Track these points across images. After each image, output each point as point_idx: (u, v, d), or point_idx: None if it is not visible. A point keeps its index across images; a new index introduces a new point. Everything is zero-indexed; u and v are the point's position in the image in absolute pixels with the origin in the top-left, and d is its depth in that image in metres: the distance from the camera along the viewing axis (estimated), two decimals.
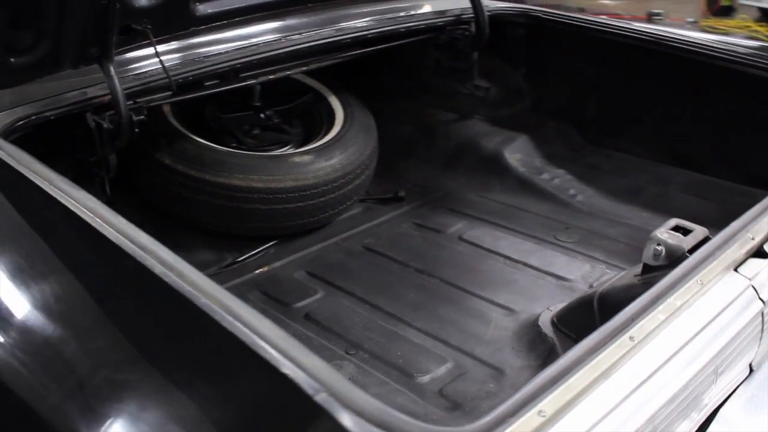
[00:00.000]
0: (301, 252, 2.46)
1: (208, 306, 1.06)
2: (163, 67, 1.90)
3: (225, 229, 2.45)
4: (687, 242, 1.56)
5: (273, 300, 2.19)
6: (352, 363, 1.89)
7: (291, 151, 2.56)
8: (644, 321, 1.21)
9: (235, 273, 2.35)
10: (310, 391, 0.93)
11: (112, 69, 1.79)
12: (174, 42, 2.06)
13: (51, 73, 1.79)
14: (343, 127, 2.68)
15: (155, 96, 2.00)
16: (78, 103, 1.84)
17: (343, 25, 2.50)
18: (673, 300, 1.27)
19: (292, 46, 2.28)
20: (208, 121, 2.64)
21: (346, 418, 0.91)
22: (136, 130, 1.91)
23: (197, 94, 2.25)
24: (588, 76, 2.93)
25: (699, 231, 1.60)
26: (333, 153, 2.53)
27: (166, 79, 1.92)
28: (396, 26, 2.58)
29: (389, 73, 3.22)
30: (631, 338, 1.16)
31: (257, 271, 2.36)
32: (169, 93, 2.00)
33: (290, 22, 2.39)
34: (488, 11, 2.83)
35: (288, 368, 0.95)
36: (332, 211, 2.54)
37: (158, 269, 1.14)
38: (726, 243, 1.46)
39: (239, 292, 2.21)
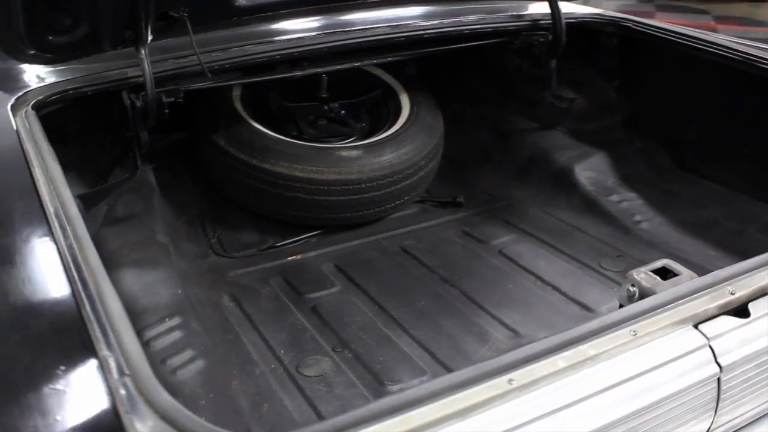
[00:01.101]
0: (338, 245, 2.49)
1: None
2: (197, 53, 2.00)
3: (268, 213, 2.54)
4: (663, 287, 1.40)
5: (290, 287, 2.24)
6: (332, 360, 1.90)
7: (339, 144, 2.59)
8: (538, 365, 1.11)
9: (269, 257, 2.43)
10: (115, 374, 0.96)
11: (143, 52, 1.92)
12: (219, 31, 2.16)
13: (93, 53, 1.95)
14: (403, 125, 2.66)
15: (192, 81, 2.11)
16: (115, 82, 1.99)
17: (408, 22, 2.48)
18: (586, 347, 1.16)
19: (336, 42, 2.30)
20: (272, 108, 2.73)
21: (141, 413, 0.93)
22: (166, 111, 2.04)
23: (233, 82, 2.35)
24: (691, 96, 2.70)
25: (685, 275, 1.43)
26: (384, 150, 2.53)
27: (198, 66, 2.02)
28: (463, 27, 2.52)
29: (479, 77, 3.16)
30: (510, 381, 1.08)
31: (290, 258, 2.42)
32: (207, 78, 2.09)
33: (347, 17, 2.41)
34: (574, 18, 2.69)
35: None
36: (377, 208, 2.54)
37: None
38: (694, 293, 1.30)
39: (262, 276, 2.31)
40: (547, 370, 1.11)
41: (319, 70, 2.49)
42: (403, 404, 1.01)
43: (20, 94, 1.86)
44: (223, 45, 2.21)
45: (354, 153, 2.49)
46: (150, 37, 1.95)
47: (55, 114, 2.01)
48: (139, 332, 1.78)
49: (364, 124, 2.81)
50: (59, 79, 1.96)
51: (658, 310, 1.25)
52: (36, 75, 1.97)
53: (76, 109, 2.14)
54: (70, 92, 1.93)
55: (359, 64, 2.58)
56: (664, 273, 1.46)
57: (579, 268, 2.31)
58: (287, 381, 1.82)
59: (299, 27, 2.38)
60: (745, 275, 1.36)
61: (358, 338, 1.99)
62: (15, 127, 1.67)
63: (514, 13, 2.65)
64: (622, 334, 1.19)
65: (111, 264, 1.93)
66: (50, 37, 1.82)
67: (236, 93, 2.66)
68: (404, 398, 1.02)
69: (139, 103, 2.00)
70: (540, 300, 2.16)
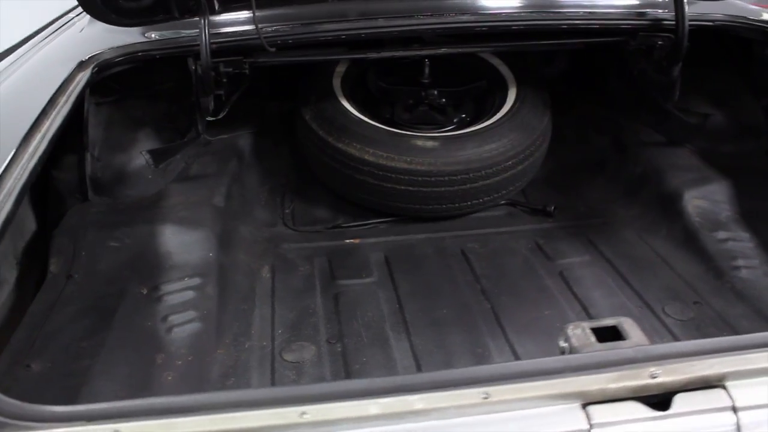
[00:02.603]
0: (401, 236, 2.44)
1: None
2: (256, 26, 2.05)
3: (340, 193, 2.55)
4: (592, 349, 1.19)
5: (328, 270, 2.24)
6: (317, 350, 1.88)
7: (416, 133, 2.49)
8: (341, 405, 1.01)
9: (330, 236, 2.46)
10: None
11: (202, 21, 2.01)
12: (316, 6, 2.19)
13: (164, 20, 2.09)
14: (496, 121, 2.50)
15: (256, 54, 2.17)
16: (182, 47, 2.12)
17: (501, 12, 2.31)
18: (414, 398, 1.02)
19: (409, 26, 2.21)
20: (370, 89, 2.71)
21: None
22: (224, 80, 2.12)
23: (300, 59, 2.38)
24: None
25: (631, 342, 1.19)
26: (464, 145, 2.40)
27: (257, 39, 2.06)
28: (564, 21, 2.27)
29: (615, 78, 2.85)
30: (302, 414, 0.99)
31: (347, 241, 2.42)
32: (270, 53, 2.13)
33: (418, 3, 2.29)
34: (710, 21, 2.29)
35: None
36: (449, 204, 2.44)
37: None
38: (603, 366, 1.08)
39: (311, 254, 2.34)
40: (353, 412, 1.01)
41: (401, 54, 2.42)
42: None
43: (95, 53, 2.06)
44: (307, 20, 2.24)
45: (429, 144, 2.40)
46: (216, 7, 2.04)
47: (140, 73, 2.20)
48: (157, 285, 1.94)
49: (464, 115, 2.68)
50: (136, 41, 2.13)
51: (539, 376, 1.06)
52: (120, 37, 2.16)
53: (167, 69, 2.31)
54: (140, 54, 2.09)
55: (442, 51, 2.46)
56: (611, 334, 1.23)
57: (638, 308, 2.02)
58: (266, 361, 1.85)
59: (395, 7, 2.32)
60: (687, 358, 1.09)
61: (357, 334, 1.94)
62: (62, 81, 1.86)
63: (638, 10, 2.33)
64: (471, 393, 1.03)
65: (160, 218, 2.11)
66: (122, 1, 1.97)
67: (340, 69, 2.68)
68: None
69: (200, 71, 2.11)
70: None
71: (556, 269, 2.22)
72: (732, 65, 2.50)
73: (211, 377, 1.79)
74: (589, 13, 2.29)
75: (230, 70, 2.16)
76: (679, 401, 1.07)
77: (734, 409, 1.06)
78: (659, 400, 1.07)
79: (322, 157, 2.49)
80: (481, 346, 1.89)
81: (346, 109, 2.51)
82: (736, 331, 1.90)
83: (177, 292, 1.96)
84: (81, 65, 1.99)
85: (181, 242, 2.09)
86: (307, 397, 1.01)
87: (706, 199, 2.34)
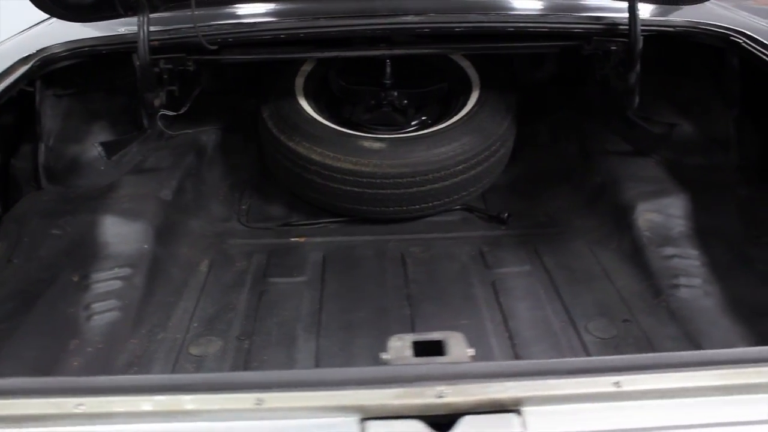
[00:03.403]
0: (345, 237, 2.44)
1: None
2: (194, 25, 2.08)
3: (293, 191, 2.56)
4: (406, 362, 1.17)
5: (264, 267, 2.26)
6: (224, 346, 1.90)
7: (365, 134, 2.47)
8: (108, 399, 1.02)
9: (278, 233, 2.48)
10: None
11: (141, 19, 2.06)
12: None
13: (110, 17, 2.15)
14: (450, 125, 2.47)
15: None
16: (126, 44, 2.17)
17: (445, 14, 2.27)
18: (188, 398, 1.02)
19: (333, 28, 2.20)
20: (332, 88, 2.71)
21: None
22: (165, 77, 2.17)
23: (239, 58, 2.40)
24: None
25: (452, 358, 1.17)
26: (413, 148, 2.38)
27: (195, 37, 2.10)
28: (517, 24, 2.22)
29: (592, 86, 2.77)
30: (78, 405, 1.01)
31: (292, 239, 2.44)
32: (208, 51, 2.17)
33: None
34: (671, 26, 2.20)
35: None
36: (396, 207, 2.42)
37: None
38: (385, 382, 1.06)
39: (252, 250, 2.37)
40: (126, 407, 1.02)
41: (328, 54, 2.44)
42: None
43: (44, 47, 2.14)
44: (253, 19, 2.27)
45: (376, 145, 2.39)
46: (157, 5, 2.08)
47: (100, 67, 2.28)
48: (88, 274, 2.00)
49: (425, 117, 2.65)
50: (88, 36, 2.20)
51: (317, 386, 1.05)
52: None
53: (127, 64, 2.38)
54: (86, 49, 2.16)
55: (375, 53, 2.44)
56: (433, 348, 1.21)
57: (561, 323, 1.96)
58: (173, 353, 1.88)
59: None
60: (484, 380, 1.06)
61: (268, 332, 1.95)
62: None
63: (593, 14, 2.25)
64: (244, 398, 1.03)
65: (103, 209, 2.18)
66: None
67: (305, 68, 2.69)
68: None
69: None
70: (481, 346, 1.88)
71: (491, 278, 2.17)
72: (704, 74, 2.39)
73: (117, 365, 1.83)
74: (541, 16, 2.23)
75: (171, 66, 2.20)
76: (465, 423, 1.04)
77: None
78: (447, 420, 1.04)
79: (276, 155, 2.52)
80: (373, 351, 1.86)
81: (301, 107, 2.53)
82: (654, 351, 1.82)
83: (105, 281, 2.02)
84: (26, 59, 2.07)
85: (118, 233, 2.16)
86: (85, 389, 1.03)
87: (659, 213, 2.24)
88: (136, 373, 1.81)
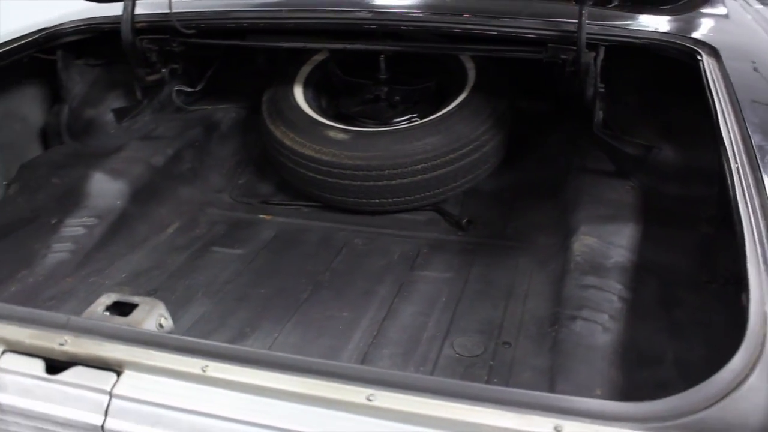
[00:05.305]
0: (303, 220, 2.54)
1: None
2: (170, 9, 2.30)
3: (275, 169, 2.69)
4: (94, 314, 1.29)
5: (213, 237, 2.44)
6: (132, 294, 2.10)
7: (333, 124, 2.52)
8: None
9: (255, 209, 2.64)
10: None
11: (126, 2, 2.32)
12: None
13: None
14: (422, 123, 2.45)
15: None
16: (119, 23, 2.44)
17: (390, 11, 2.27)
18: None
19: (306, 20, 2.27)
20: (329, 75, 2.79)
21: None
22: (147, 55, 2.42)
23: (218, 42, 2.55)
24: None
25: (129, 320, 1.26)
26: (374, 142, 2.41)
27: (169, 21, 2.32)
28: (459, 25, 2.15)
29: None
30: None
31: (260, 215, 2.59)
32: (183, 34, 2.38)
33: None
34: (634, 38, 2.01)
35: None
36: (355, 199, 2.46)
37: None
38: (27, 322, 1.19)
39: (219, 220, 2.57)
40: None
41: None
42: None
43: (60, 22, 2.50)
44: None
45: (340, 136, 2.44)
46: None
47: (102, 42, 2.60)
48: (63, 219, 2.32)
49: (415, 115, 2.64)
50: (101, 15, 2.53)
51: None
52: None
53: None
54: (92, 26, 2.48)
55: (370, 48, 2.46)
56: (128, 309, 1.31)
57: (433, 334, 1.91)
58: (91, 295, 2.11)
59: None
60: (108, 340, 1.15)
61: (173, 291, 2.12)
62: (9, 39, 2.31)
63: (554, 20, 2.11)
64: None
65: (96, 166, 2.50)
66: None
67: (317, 58, 2.81)
68: None
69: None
70: (337, 338, 1.90)
71: (404, 279, 2.15)
72: (694, 94, 2.13)
73: (41, 297, 2.11)
74: (495, 19, 2.14)
75: (156, 47, 2.44)
76: (73, 371, 1.13)
77: (110, 394, 1.10)
78: (62, 366, 1.15)
79: (263, 137, 2.67)
80: (252, 328, 1.96)
81: (292, 93, 2.65)
82: (502, 379, 1.73)
83: (72, 226, 2.32)
84: (36, 32, 2.43)
85: (100, 188, 2.45)
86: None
87: (600, 239, 2.05)
88: (50, 307, 2.08)
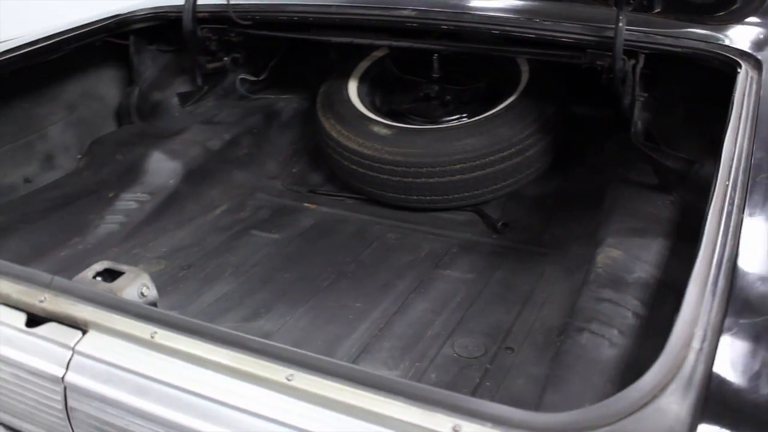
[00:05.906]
0: (345, 212, 2.58)
1: None
2: (228, 2, 2.42)
3: (324, 160, 2.75)
4: (83, 280, 1.39)
5: (254, 220, 2.54)
6: (163, 269, 2.23)
7: (379, 119, 2.54)
8: None
9: (302, 197, 2.72)
10: None
11: None
12: None
13: None
14: (462, 125, 2.45)
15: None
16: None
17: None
18: None
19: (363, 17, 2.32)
20: (385, 71, 2.82)
21: None
22: (206, 44, 2.54)
23: (264, 33, 2.62)
24: None
25: (108, 287, 1.36)
26: (414, 140, 2.42)
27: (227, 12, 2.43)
28: (498, 26, 2.13)
29: None
30: None
31: (305, 204, 2.66)
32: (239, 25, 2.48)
33: None
34: (677, 47, 1.93)
35: None
36: (394, 194, 2.48)
37: None
38: (21, 280, 1.30)
39: (265, 205, 2.67)
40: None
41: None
42: None
43: (132, 10, 2.67)
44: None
45: (383, 131, 2.48)
46: None
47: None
48: (119, 194, 2.49)
49: (465, 115, 2.63)
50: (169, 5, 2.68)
51: None
52: None
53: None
54: (160, 14, 2.64)
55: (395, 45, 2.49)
56: (115, 276, 1.41)
57: (438, 332, 1.91)
58: (131, 264, 2.26)
59: None
60: (91, 304, 1.24)
61: (204, 269, 2.23)
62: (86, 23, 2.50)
63: (592, 25, 2.05)
64: None
65: (156, 146, 2.67)
66: None
67: (377, 54, 2.86)
68: None
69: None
70: (345, 327, 1.94)
71: (425, 276, 2.16)
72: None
73: (86, 263, 2.26)
74: (532, 22, 2.11)
75: (213, 36, 2.56)
76: (47, 326, 1.24)
77: (73, 350, 1.20)
78: (40, 321, 1.26)
79: (316, 128, 2.74)
80: (267, 309, 2.03)
81: (345, 87, 2.70)
82: (495, 383, 1.71)
83: (126, 201, 2.49)
84: (112, 17, 2.61)
85: (156, 167, 2.61)
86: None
87: (625, 253, 1.98)
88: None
